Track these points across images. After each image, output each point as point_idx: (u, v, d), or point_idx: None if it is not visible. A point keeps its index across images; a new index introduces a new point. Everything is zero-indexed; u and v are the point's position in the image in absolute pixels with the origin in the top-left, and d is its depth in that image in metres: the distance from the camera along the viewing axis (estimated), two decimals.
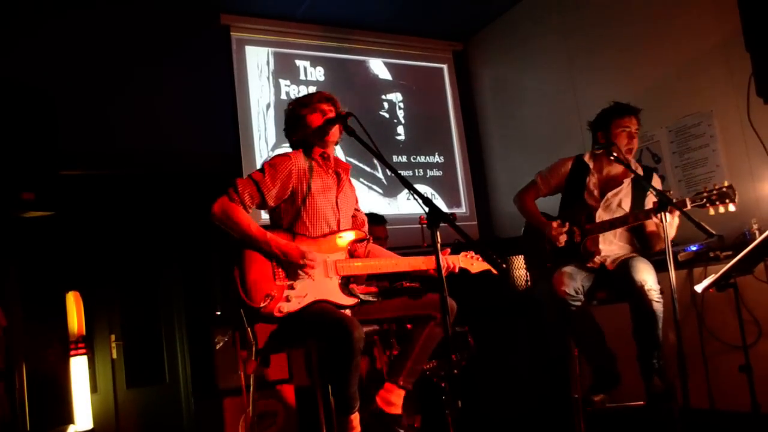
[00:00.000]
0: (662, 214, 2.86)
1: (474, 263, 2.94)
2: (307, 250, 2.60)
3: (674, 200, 2.95)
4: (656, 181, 3.33)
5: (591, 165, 3.41)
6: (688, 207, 2.95)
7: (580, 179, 3.40)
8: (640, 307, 3.07)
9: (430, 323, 2.71)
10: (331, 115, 2.84)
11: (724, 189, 2.94)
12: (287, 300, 2.55)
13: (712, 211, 2.97)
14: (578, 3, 5.17)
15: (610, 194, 3.32)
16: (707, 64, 4.21)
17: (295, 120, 2.89)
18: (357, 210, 3.05)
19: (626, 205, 3.32)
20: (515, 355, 4.63)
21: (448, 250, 2.84)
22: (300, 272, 2.61)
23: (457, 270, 2.86)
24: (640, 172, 3.28)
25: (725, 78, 4.10)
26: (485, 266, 2.96)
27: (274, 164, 2.74)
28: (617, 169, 3.35)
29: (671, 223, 2.96)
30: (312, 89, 5.28)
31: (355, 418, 2.51)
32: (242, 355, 3.47)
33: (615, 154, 3.20)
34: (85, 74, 4.65)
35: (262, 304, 2.52)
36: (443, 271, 2.27)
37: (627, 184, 3.33)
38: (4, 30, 4.36)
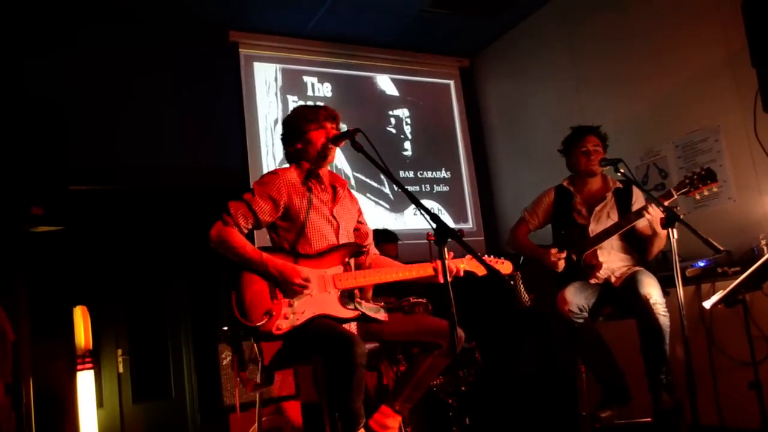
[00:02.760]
0: (669, 229, 2.86)
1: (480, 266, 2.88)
2: (303, 271, 2.58)
3: (661, 196, 3.13)
4: (637, 194, 3.47)
5: (572, 188, 3.57)
6: (675, 196, 3.12)
7: (566, 203, 3.57)
8: (646, 321, 3.10)
9: (434, 352, 2.69)
10: (334, 133, 2.81)
11: (703, 172, 3.12)
12: (286, 317, 2.54)
13: (698, 196, 3.25)
14: (584, 19, 5.20)
15: (597, 208, 3.46)
16: (714, 80, 4.22)
17: (298, 132, 2.84)
18: (360, 223, 3.03)
19: (614, 216, 3.43)
20: (523, 371, 4.60)
21: (452, 253, 2.78)
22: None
23: (462, 273, 2.80)
24: (619, 185, 3.48)
25: (732, 93, 4.11)
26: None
27: (263, 182, 2.74)
28: (596, 185, 3.52)
29: (654, 218, 3.10)
30: None
31: None
32: (242, 376, 3.47)
33: (622, 170, 3.22)
34: (95, 90, 4.69)
35: (260, 323, 2.51)
36: (449, 276, 2.25)
37: (609, 197, 3.47)
38: (14, 46, 4.41)
